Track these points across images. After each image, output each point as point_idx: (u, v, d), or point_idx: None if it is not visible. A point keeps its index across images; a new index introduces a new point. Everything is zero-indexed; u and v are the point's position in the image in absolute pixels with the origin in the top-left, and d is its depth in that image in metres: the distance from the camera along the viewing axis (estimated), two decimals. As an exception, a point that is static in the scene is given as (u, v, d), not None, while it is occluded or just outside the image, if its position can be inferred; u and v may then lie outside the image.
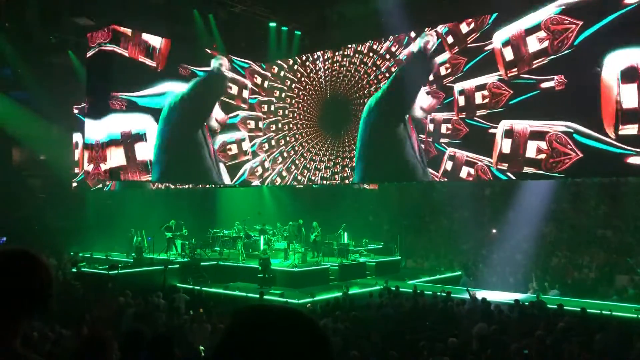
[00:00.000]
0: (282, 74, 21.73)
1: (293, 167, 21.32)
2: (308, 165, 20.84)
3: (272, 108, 22.03)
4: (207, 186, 23.01)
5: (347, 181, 19.90)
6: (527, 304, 12.43)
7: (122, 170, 17.48)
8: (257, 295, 13.32)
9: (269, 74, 22.03)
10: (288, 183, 21.74)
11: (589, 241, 19.18)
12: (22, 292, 1.57)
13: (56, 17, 17.93)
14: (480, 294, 13.49)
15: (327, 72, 20.28)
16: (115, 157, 17.30)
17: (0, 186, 21.48)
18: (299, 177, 21.15)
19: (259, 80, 21.91)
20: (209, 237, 20.07)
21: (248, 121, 21.60)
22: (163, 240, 19.40)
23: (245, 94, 21.35)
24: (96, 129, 17.56)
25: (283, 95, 21.69)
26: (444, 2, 17.29)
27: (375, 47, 18.81)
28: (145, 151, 17.98)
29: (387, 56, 18.42)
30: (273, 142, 21.94)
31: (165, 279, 14.90)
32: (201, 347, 8.71)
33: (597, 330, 9.61)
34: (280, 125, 21.80)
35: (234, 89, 20.94)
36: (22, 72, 21.09)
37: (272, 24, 19.89)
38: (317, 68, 20.58)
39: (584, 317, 10.91)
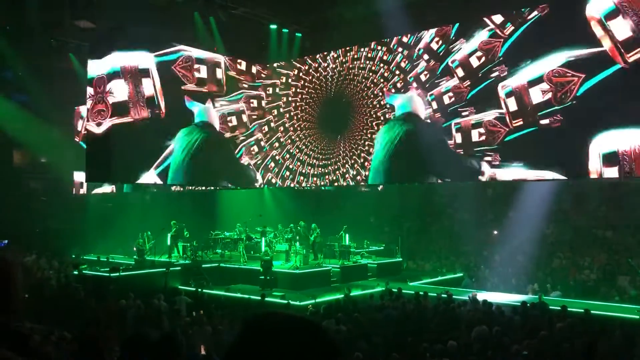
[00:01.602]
0: (282, 75, 21.78)
1: (295, 168, 21.36)
2: (310, 167, 20.88)
3: (278, 110, 22.21)
4: (209, 188, 23.07)
5: (348, 182, 19.94)
6: (528, 305, 12.40)
7: (131, 105, 17.51)
8: (259, 297, 13.31)
9: (267, 75, 22.17)
10: (290, 185, 21.78)
11: (590, 242, 19.16)
12: None
13: (57, 20, 17.96)
14: (482, 296, 13.47)
15: (327, 73, 20.30)
16: (119, 92, 17.31)
17: (1, 189, 21.49)
18: (301, 179, 21.20)
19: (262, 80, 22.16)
20: (210, 239, 20.06)
21: (251, 100, 21.93)
22: (164, 243, 19.40)
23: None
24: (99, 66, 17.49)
25: (285, 96, 21.75)
26: (444, 3, 17.29)
27: (375, 48, 18.86)
28: (150, 87, 18.01)
29: (388, 57, 18.48)
30: (276, 143, 22.04)
31: (166, 281, 14.90)
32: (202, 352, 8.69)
33: (599, 332, 9.58)
34: (281, 127, 21.84)
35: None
36: (23, 75, 21.12)
37: (273, 26, 19.91)
38: (318, 70, 20.61)
39: (587, 318, 10.89)
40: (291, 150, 21.48)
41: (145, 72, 17.86)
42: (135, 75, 17.64)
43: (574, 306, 12.13)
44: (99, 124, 17.21)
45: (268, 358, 1.00)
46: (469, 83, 16.41)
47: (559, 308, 11.65)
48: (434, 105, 17.24)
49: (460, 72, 16.66)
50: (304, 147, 21.17)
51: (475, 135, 16.16)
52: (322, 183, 20.77)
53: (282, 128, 21.90)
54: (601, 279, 17.21)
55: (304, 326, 1.06)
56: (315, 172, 20.73)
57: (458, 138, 16.54)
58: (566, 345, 8.75)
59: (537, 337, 9.03)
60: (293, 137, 21.51)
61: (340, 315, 11.08)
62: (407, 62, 18.17)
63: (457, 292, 14.99)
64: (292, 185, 21.74)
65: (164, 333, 7.78)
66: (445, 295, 13.14)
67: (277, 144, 22.04)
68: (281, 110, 21.91)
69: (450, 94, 16.86)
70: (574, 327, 9.87)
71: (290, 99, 21.59)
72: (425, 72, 17.65)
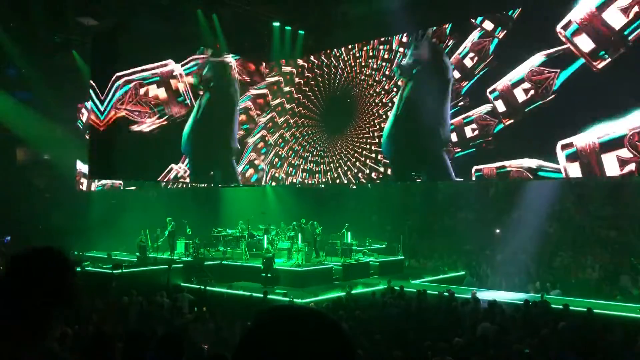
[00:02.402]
0: (285, 73, 21.80)
1: (296, 166, 21.40)
2: (312, 165, 20.90)
3: (278, 106, 22.23)
4: (211, 186, 23.08)
5: (358, 180, 19.95)
6: (530, 303, 12.39)
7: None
8: (261, 295, 13.33)
9: (270, 72, 22.21)
10: (292, 182, 21.83)
11: (592, 241, 19.12)
12: (51, 291, 1.58)
13: (60, 17, 17.97)
14: (484, 294, 13.46)
15: (330, 71, 20.29)
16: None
17: (5, 186, 21.54)
18: (303, 176, 21.25)
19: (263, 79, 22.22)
20: (212, 236, 20.06)
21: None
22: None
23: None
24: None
25: (287, 94, 21.77)
26: (448, 2, 17.21)
27: (378, 46, 18.83)
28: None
29: (392, 56, 18.44)
30: (280, 141, 22.11)
31: (169, 278, 14.91)
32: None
33: (600, 331, 9.57)
34: (283, 124, 21.88)
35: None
36: (26, 72, 21.12)
37: (276, 24, 19.89)
38: (321, 67, 20.60)
39: (589, 317, 10.88)
40: (282, 154, 21.64)
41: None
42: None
43: (576, 305, 12.11)
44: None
45: (280, 353, 0.98)
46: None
47: (561, 307, 11.65)
48: (500, 106, 14.83)
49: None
50: (301, 147, 21.22)
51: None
52: (322, 179, 20.82)
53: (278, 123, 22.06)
54: (603, 278, 17.20)
55: (318, 321, 1.03)
56: (315, 173, 20.76)
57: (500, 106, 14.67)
58: (567, 344, 8.75)
59: (539, 335, 9.03)
60: (289, 136, 21.59)
61: (342, 312, 11.10)
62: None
63: (459, 290, 14.99)
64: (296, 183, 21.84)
65: (167, 330, 7.80)
66: (447, 294, 13.15)
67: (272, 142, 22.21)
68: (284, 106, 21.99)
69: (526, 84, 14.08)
70: (575, 326, 9.86)
71: (287, 90, 21.72)
72: (472, 55, 15.42)
